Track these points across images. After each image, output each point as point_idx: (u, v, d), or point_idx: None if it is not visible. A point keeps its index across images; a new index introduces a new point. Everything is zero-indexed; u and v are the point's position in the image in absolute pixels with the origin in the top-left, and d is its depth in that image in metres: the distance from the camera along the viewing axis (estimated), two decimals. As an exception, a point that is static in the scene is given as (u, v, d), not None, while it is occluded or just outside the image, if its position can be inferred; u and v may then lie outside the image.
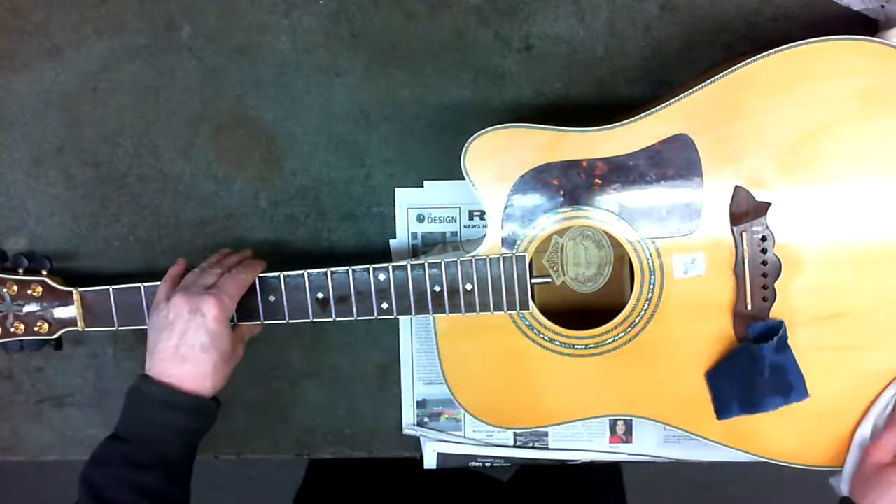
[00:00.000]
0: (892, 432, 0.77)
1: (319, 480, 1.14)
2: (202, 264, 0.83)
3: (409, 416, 0.95)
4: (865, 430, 0.79)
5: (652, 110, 0.76)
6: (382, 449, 0.97)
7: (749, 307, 0.79)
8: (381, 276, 0.81)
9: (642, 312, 0.80)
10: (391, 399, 0.96)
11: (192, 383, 0.74)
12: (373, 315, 0.83)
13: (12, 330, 0.86)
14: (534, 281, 0.82)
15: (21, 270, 0.86)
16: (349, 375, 0.96)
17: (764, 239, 0.78)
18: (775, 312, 0.79)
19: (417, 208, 0.92)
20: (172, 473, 0.75)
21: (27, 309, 0.86)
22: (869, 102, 0.74)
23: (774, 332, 0.78)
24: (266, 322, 0.84)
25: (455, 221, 0.92)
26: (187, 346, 0.74)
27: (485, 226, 0.84)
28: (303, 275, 0.82)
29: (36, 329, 0.86)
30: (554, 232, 0.80)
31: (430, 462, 0.95)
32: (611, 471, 1.11)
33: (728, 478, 1.74)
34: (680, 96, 0.76)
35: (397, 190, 0.92)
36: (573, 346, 0.82)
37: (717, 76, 0.75)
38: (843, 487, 0.80)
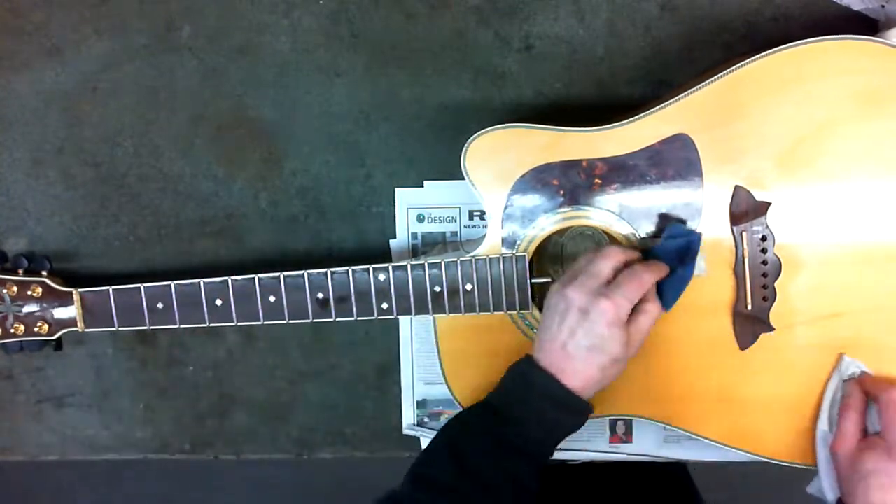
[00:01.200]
0: (847, 419, 0.76)
1: None
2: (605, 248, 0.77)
3: (409, 415, 0.95)
4: (823, 424, 0.79)
5: (652, 110, 0.76)
6: (382, 449, 0.97)
7: (749, 307, 0.79)
8: (381, 277, 0.81)
9: (642, 312, 0.80)
10: (391, 399, 0.96)
11: (573, 380, 0.72)
12: (373, 315, 0.83)
13: (12, 331, 0.86)
14: (534, 281, 0.82)
15: (21, 271, 0.87)
16: (349, 375, 0.96)
17: (764, 239, 0.78)
18: (775, 312, 0.79)
19: (417, 208, 0.92)
20: (537, 465, 0.73)
21: (27, 309, 0.86)
22: (869, 102, 0.74)
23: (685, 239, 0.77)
24: (268, 322, 0.84)
25: (455, 221, 0.92)
26: (575, 344, 0.72)
27: (485, 226, 0.84)
28: (303, 275, 0.82)
29: (36, 330, 0.86)
30: (554, 232, 0.80)
31: (430, 462, 0.95)
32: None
33: (728, 478, 1.74)
34: (680, 96, 0.76)
35: (397, 190, 0.92)
36: (573, 346, 0.82)
37: (717, 76, 0.75)
38: (826, 490, 0.79)
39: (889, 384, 0.75)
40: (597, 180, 0.78)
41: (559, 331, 0.73)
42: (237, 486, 1.87)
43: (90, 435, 0.98)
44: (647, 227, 0.79)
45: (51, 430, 0.99)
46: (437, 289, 0.81)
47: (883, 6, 0.83)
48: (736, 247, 0.78)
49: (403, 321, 0.94)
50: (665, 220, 0.79)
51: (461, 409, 0.76)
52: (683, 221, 0.78)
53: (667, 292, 0.77)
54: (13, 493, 1.88)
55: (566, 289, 0.73)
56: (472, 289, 0.81)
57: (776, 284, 0.78)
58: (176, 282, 0.84)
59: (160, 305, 0.84)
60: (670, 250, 0.77)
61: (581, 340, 0.72)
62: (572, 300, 0.72)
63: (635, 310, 0.73)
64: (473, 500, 0.70)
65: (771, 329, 0.79)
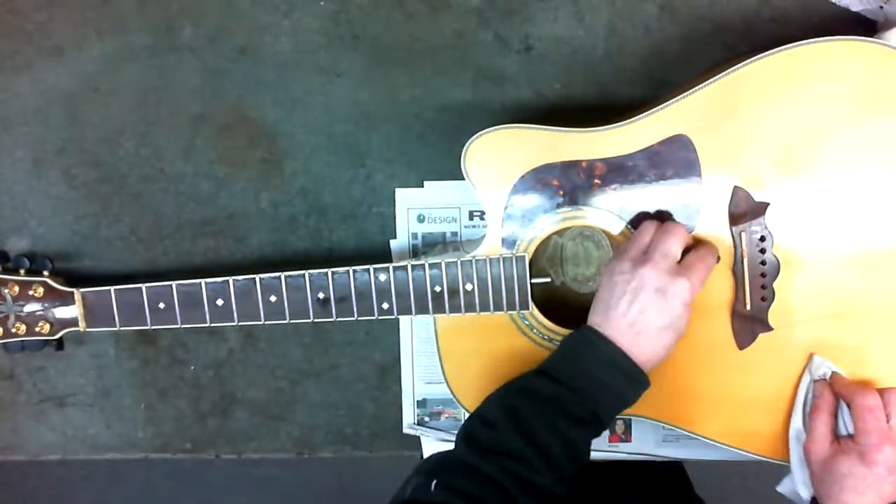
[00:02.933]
0: (818, 421, 0.77)
1: None
2: (659, 226, 0.77)
3: (409, 415, 0.96)
4: (797, 422, 0.79)
5: (651, 111, 0.77)
6: (382, 448, 0.98)
7: (748, 307, 0.79)
8: (382, 277, 0.82)
9: (642, 312, 0.80)
10: (391, 399, 0.96)
11: (639, 355, 0.73)
12: (373, 315, 0.83)
13: (14, 330, 0.86)
14: (534, 281, 0.82)
15: (22, 271, 0.87)
16: (349, 375, 0.96)
17: (763, 239, 0.78)
18: (774, 312, 0.79)
19: (417, 208, 0.92)
20: (595, 434, 0.73)
21: (28, 309, 0.86)
22: (867, 103, 0.74)
23: None
24: (269, 322, 0.84)
25: (455, 221, 0.92)
26: (644, 323, 0.72)
27: (485, 226, 0.84)
28: (304, 275, 0.82)
29: (37, 329, 0.87)
30: (554, 232, 0.81)
31: (430, 461, 0.95)
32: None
33: (728, 477, 1.75)
34: (679, 97, 0.76)
35: (397, 190, 0.92)
36: (573, 345, 0.82)
37: (716, 77, 0.75)
38: (799, 487, 0.79)
39: (860, 388, 0.76)
40: (596, 181, 0.78)
41: (629, 308, 0.73)
42: (238, 485, 1.87)
43: (92, 434, 0.99)
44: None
45: (52, 430, 0.99)
46: (438, 289, 0.81)
47: (882, 7, 0.83)
48: (735, 247, 0.78)
49: (404, 321, 0.94)
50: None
51: (519, 378, 0.75)
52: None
53: None
54: (14, 492, 1.88)
55: (641, 267, 0.73)
56: (473, 289, 0.81)
57: (775, 284, 0.78)
58: (177, 282, 0.84)
59: (161, 305, 0.84)
60: None
61: (653, 320, 0.72)
62: (648, 279, 0.73)
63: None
64: (533, 464, 0.70)
65: (769, 329, 0.79)
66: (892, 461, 0.71)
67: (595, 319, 0.75)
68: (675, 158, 0.77)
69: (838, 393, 0.77)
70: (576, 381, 0.73)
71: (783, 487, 0.82)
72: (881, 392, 0.75)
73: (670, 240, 0.75)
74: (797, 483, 0.79)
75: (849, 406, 0.75)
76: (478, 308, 0.81)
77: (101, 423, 0.98)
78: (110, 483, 1.88)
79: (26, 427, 0.99)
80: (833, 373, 0.78)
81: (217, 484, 1.68)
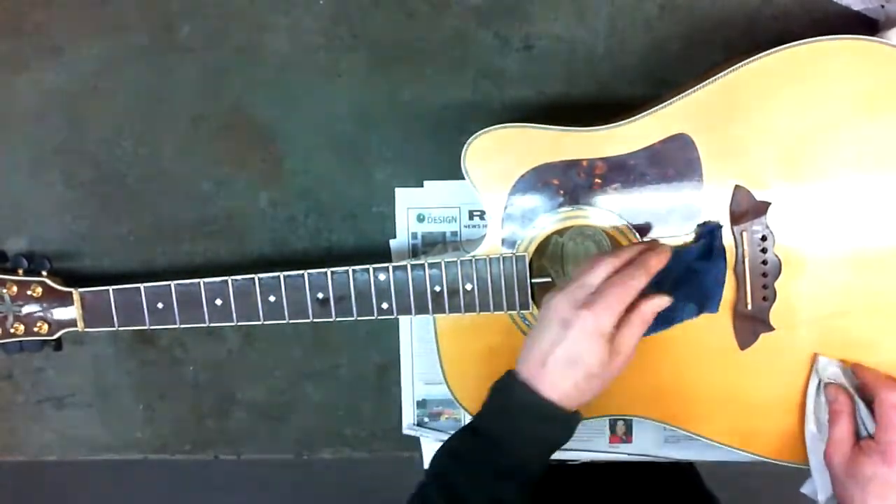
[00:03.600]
0: (838, 426, 0.75)
1: None
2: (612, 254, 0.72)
3: (409, 415, 0.95)
4: (811, 426, 0.79)
5: (652, 110, 0.76)
6: (382, 449, 0.97)
7: (749, 307, 0.79)
8: (382, 276, 0.81)
9: (642, 312, 0.80)
10: (391, 399, 0.96)
11: (551, 392, 0.69)
12: (373, 315, 0.83)
13: (12, 331, 0.86)
14: (534, 281, 0.82)
15: (21, 271, 0.86)
16: (349, 375, 0.96)
17: (764, 238, 0.78)
18: (775, 312, 0.79)
19: (417, 208, 0.92)
20: (526, 485, 0.70)
21: (27, 309, 0.86)
22: (869, 102, 0.74)
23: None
24: (268, 322, 0.84)
25: (455, 221, 0.92)
26: (554, 357, 0.68)
27: (485, 226, 0.84)
28: (303, 275, 0.82)
29: (36, 330, 0.86)
30: (554, 232, 0.80)
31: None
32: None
33: (728, 477, 1.74)
34: (680, 96, 0.76)
35: (397, 190, 0.92)
36: (573, 345, 0.81)
37: (718, 76, 0.75)
38: (820, 494, 0.78)
39: (887, 382, 0.74)
40: (597, 180, 0.78)
41: (541, 342, 0.70)
42: (237, 486, 1.87)
43: (90, 435, 0.98)
44: (656, 228, 0.79)
45: (51, 430, 0.99)
46: (437, 289, 0.81)
47: (883, 6, 0.83)
48: (736, 247, 0.78)
49: (403, 321, 0.94)
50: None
51: (449, 437, 0.74)
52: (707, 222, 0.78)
53: (710, 292, 0.77)
54: (13, 493, 1.88)
55: (553, 299, 0.71)
56: (472, 289, 0.81)
57: (776, 284, 0.78)
58: (176, 281, 0.84)
59: (160, 305, 0.84)
60: (695, 251, 0.77)
61: (559, 353, 0.68)
62: (556, 311, 0.70)
63: (624, 321, 0.69)
64: None
65: (771, 329, 0.79)
66: None
67: (519, 358, 0.72)
68: (676, 157, 0.77)
69: (863, 385, 0.76)
70: (493, 431, 0.71)
71: (806, 489, 0.82)
72: None
73: (591, 271, 0.70)
74: (818, 488, 0.79)
75: (871, 401, 0.74)
76: (478, 308, 0.81)
77: (100, 424, 0.98)
78: (109, 484, 1.88)
79: (25, 428, 0.98)
80: (853, 364, 0.78)
81: (216, 484, 1.68)
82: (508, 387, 0.71)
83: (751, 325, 0.79)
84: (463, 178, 0.79)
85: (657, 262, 0.71)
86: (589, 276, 0.70)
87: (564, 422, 0.70)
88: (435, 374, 0.91)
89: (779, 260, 0.78)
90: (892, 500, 0.70)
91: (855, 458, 0.73)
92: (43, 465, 1.00)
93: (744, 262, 0.78)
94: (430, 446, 0.95)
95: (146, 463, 0.98)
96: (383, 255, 0.93)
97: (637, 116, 0.77)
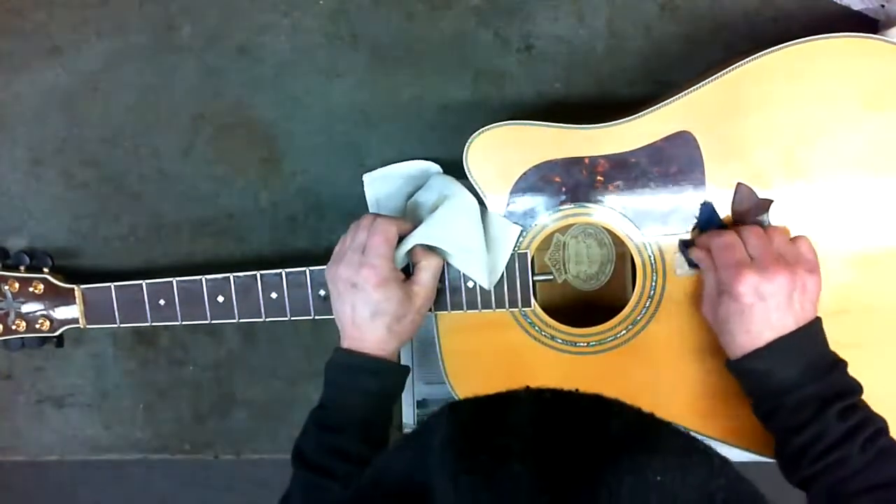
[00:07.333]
0: (705, 284, 0.76)
1: None
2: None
3: (409, 415, 0.95)
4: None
5: (654, 107, 0.76)
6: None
7: (750, 305, 0.79)
8: (383, 275, 0.81)
9: (644, 310, 0.80)
10: (392, 399, 0.96)
11: (373, 348, 0.76)
12: (374, 313, 0.82)
13: (14, 327, 0.86)
14: (536, 278, 0.82)
15: (23, 268, 0.87)
16: (350, 375, 0.96)
17: (765, 236, 0.78)
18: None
19: (418, 207, 0.92)
20: (363, 435, 0.76)
21: (29, 306, 0.86)
22: (871, 100, 0.74)
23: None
24: (270, 319, 0.84)
25: (456, 220, 0.92)
26: (359, 316, 0.76)
27: (486, 224, 0.84)
28: (304, 272, 0.82)
29: (37, 326, 0.86)
30: (556, 229, 0.81)
31: (430, 462, 0.95)
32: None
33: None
34: (682, 93, 0.76)
35: (398, 189, 0.92)
36: (575, 343, 0.82)
37: (720, 73, 0.75)
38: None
39: (715, 232, 0.75)
40: (599, 178, 0.78)
41: (344, 310, 0.76)
42: (237, 486, 1.86)
43: (90, 435, 0.98)
44: (649, 225, 0.79)
45: (51, 430, 0.98)
46: (439, 286, 0.81)
47: (883, 6, 0.83)
48: (737, 244, 0.78)
49: (404, 320, 0.94)
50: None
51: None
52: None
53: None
54: (13, 493, 1.87)
55: (336, 271, 0.76)
56: (474, 286, 0.81)
57: (777, 282, 0.78)
58: (178, 278, 0.84)
59: (162, 302, 0.84)
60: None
61: (362, 311, 0.75)
62: (340, 277, 0.76)
63: (417, 267, 0.78)
64: (330, 488, 0.73)
65: (772, 327, 0.79)
66: (758, 287, 0.70)
67: (340, 335, 0.79)
68: (678, 155, 0.77)
69: (702, 247, 0.76)
70: (329, 397, 0.78)
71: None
72: (737, 231, 0.74)
73: (358, 233, 0.77)
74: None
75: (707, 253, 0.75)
76: (479, 305, 0.81)
77: (100, 424, 0.98)
78: (109, 484, 1.87)
79: (25, 428, 0.98)
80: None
81: (216, 484, 1.67)
82: (333, 356, 0.78)
83: (752, 322, 0.79)
84: (464, 178, 0.79)
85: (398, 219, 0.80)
86: (356, 239, 0.77)
87: (385, 371, 0.77)
88: (435, 374, 0.91)
89: (780, 258, 0.78)
90: (755, 330, 0.70)
91: (715, 310, 0.74)
92: (43, 465, 1.00)
93: (745, 259, 0.78)
94: (430, 446, 0.95)
95: (146, 463, 0.98)
96: (384, 254, 0.93)
97: (639, 114, 0.77)
